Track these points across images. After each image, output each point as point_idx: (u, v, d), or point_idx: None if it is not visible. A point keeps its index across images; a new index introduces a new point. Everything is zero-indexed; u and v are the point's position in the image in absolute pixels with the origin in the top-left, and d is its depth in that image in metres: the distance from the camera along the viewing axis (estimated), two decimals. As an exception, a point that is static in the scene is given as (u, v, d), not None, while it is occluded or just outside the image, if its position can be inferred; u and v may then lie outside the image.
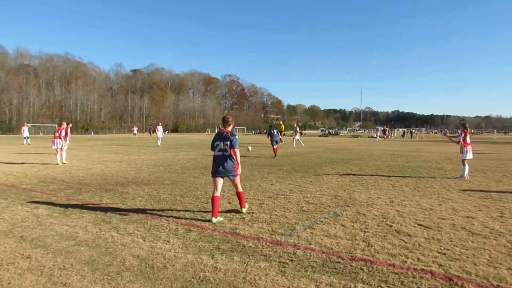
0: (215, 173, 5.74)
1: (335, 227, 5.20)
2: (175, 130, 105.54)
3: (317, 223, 5.42)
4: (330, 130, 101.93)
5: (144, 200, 7.09)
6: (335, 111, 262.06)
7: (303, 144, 28.45)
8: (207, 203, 6.78)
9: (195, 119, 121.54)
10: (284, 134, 30.25)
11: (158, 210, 6.25)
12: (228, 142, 5.70)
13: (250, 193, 7.86)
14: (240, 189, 6.01)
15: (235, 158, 5.77)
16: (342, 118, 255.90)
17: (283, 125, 30.96)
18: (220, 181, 5.75)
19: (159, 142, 27.68)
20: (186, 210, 6.24)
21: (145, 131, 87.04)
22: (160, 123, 30.06)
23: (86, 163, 14.31)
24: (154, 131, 32.71)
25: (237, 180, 5.89)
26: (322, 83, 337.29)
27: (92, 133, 79.78)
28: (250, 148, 20.41)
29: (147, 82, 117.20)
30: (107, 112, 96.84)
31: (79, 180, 9.81)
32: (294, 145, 27.42)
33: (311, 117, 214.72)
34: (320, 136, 68.21)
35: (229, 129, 5.90)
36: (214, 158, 5.82)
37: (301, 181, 9.82)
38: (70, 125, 22.35)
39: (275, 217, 5.77)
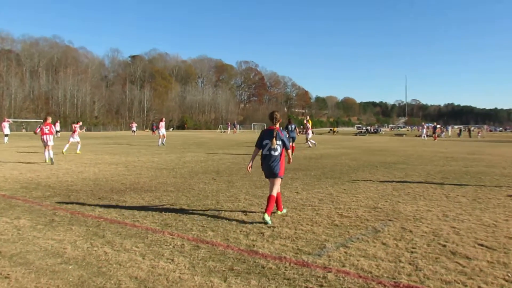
0: (265, 175, 6.51)
1: (375, 246, 5.12)
2: (181, 126, 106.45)
3: (352, 241, 5.35)
4: (368, 127, 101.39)
5: (144, 210, 7.16)
6: (374, 104, 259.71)
7: (309, 143, 28.20)
8: (219, 214, 6.83)
9: (205, 113, 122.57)
10: (312, 132, 29.84)
11: (161, 223, 6.29)
12: (280, 142, 6.33)
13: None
14: (274, 193, 6.28)
15: (282, 158, 6.37)
16: (382, 113, 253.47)
17: (310, 121, 30.44)
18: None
19: (163, 141, 27.94)
20: (193, 223, 6.26)
21: (146, 128, 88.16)
22: (163, 119, 30.32)
23: (77, 165, 14.59)
24: (157, 127, 33.11)
25: (278, 181, 6.35)
26: (358, 71, 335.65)
27: (84, 129, 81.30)
28: None
29: (148, 70, 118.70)
30: (101, 105, 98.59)
31: (68, 185, 9.99)
32: (315, 143, 27.41)
33: (345, 112, 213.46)
34: (355, 135, 67.68)
35: (278, 125, 6.43)
36: (262, 157, 6.47)
37: (333, 189, 9.74)
38: (80, 123, 23.10)
39: (300, 233, 5.73)
